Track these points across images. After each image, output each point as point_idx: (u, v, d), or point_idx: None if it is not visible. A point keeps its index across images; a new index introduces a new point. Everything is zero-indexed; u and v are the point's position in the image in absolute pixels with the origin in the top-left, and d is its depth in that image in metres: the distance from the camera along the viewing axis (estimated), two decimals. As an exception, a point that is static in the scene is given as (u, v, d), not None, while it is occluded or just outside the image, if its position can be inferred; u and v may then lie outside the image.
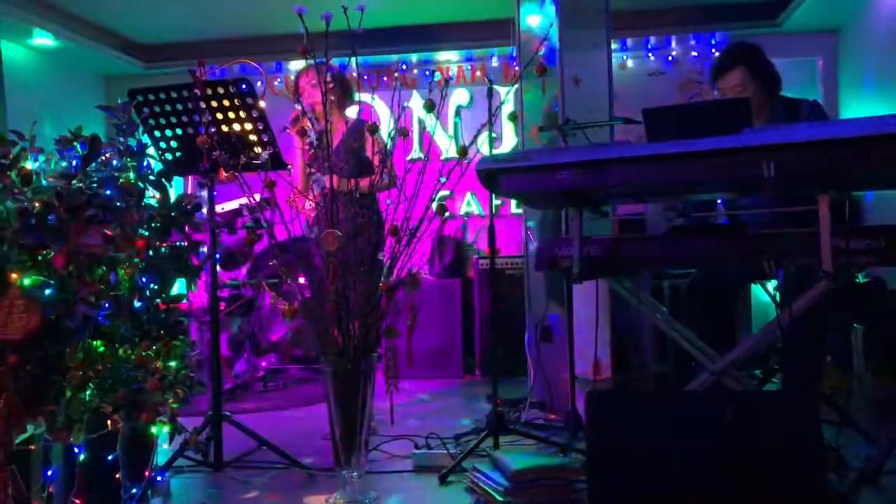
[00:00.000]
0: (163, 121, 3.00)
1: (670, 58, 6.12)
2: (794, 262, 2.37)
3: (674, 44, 6.12)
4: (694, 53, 6.09)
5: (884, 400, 3.86)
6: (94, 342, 2.09)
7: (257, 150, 2.89)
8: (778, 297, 2.86)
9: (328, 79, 2.62)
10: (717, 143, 2.22)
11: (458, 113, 6.30)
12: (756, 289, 4.14)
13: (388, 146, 2.68)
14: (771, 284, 3.02)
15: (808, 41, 5.88)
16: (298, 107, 3.23)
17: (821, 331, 3.01)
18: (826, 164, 2.10)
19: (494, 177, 2.62)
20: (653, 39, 6.13)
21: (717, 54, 3.22)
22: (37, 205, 2.03)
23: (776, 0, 5.68)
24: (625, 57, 6.14)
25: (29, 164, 2.14)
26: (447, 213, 2.56)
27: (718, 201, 3.18)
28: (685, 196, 2.89)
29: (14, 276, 1.97)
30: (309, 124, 2.80)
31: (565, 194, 2.53)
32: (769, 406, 2.17)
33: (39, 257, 2.02)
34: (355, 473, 2.51)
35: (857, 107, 5.47)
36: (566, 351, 3.41)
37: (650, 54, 6.15)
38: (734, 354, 2.55)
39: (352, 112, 3.83)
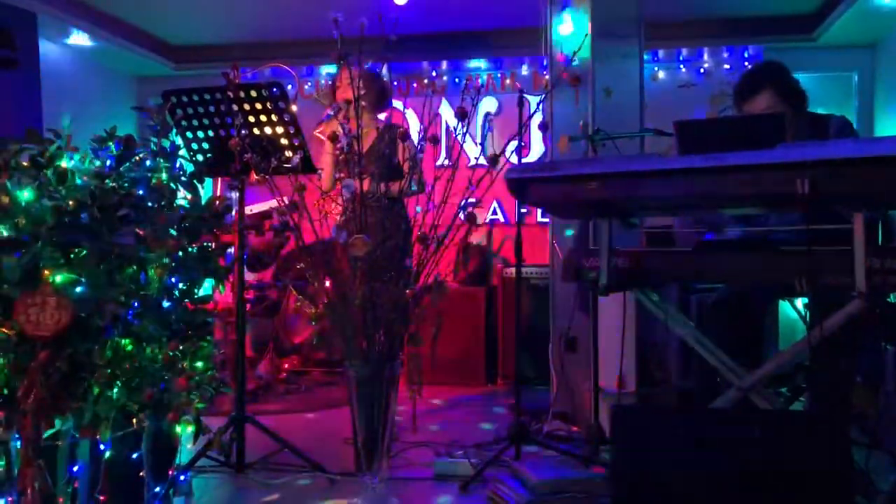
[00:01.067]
0: (195, 122, 3.03)
1: (702, 70, 6.08)
2: (827, 280, 2.33)
3: (706, 56, 6.08)
4: (726, 66, 6.04)
5: (913, 422, 3.79)
6: (123, 341, 2.10)
7: (288, 153, 2.91)
8: (807, 315, 2.82)
9: (361, 82, 2.62)
10: (750, 158, 2.19)
11: (486, 120, 6.30)
12: (784, 305, 4.09)
13: (418, 153, 2.68)
14: (800, 301, 2.98)
15: (844, 56, 5.81)
16: (331, 111, 3.25)
17: (851, 350, 2.96)
18: (861, 182, 2.07)
19: (523, 186, 2.61)
20: (685, 51, 6.10)
21: (742, 76, 3.13)
22: (71, 203, 2.05)
23: (812, 14, 5.63)
24: (656, 68, 6.11)
25: (64, 163, 2.17)
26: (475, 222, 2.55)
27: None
28: (716, 211, 2.86)
29: (46, 273, 1.99)
30: (340, 129, 2.80)
31: (594, 205, 2.51)
32: (798, 426, 2.14)
33: (72, 255, 2.04)
34: (377, 479, 2.51)
35: (894, 123, 5.40)
36: (590, 362, 3.39)
37: (682, 66, 6.12)
38: (762, 371, 2.52)
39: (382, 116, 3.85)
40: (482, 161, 2.59)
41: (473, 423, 4.01)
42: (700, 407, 3.26)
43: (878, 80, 5.74)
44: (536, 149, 6.10)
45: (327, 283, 2.52)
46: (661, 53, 6.12)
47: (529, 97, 5.74)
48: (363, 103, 3.53)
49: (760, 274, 2.50)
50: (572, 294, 3.73)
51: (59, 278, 2.00)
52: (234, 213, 2.86)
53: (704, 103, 6.00)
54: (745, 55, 6.00)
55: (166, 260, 2.19)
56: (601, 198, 2.44)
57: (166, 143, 2.40)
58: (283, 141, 2.98)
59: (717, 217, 3.04)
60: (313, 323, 2.53)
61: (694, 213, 3.10)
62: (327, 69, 6.47)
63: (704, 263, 2.56)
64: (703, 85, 6.06)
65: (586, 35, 3.82)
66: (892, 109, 5.51)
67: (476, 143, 6.24)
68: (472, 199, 2.52)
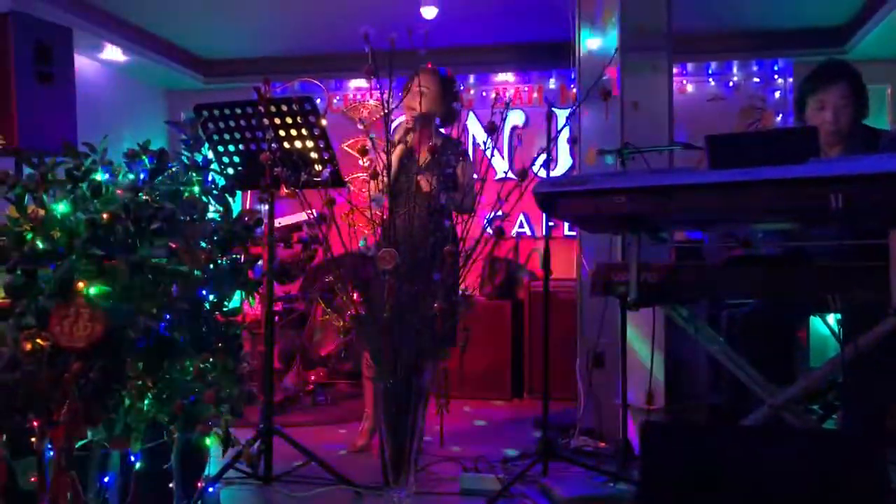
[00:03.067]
0: (226, 136, 3.06)
1: (731, 83, 6.04)
2: (860, 296, 2.29)
3: (735, 69, 6.04)
4: (756, 80, 6.00)
5: (950, 442, 3.71)
6: (155, 353, 2.13)
7: (318, 167, 2.93)
8: (839, 332, 2.77)
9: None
10: (782, 173, 2.17)
11: (514, 134, 6.30)
12: (815, 321, 4.03)
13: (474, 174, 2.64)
14: (832, 318, 2.93)
15: (876, 69, 5.72)
16: (360, 126, 3.26)
17: (886, 369, 2.91)
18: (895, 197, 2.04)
19: (552, 200, 2.60)
20: (714, 64, 6.06)
21: (818, 67, 3.06)
22: (105, 216, 2.08)
23: (843, 27, 5.57)
24: (684, 81, 6.08)
25: (99, 177, 2.20)
26: (503, 235, 2.55)
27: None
28: (748, 225, 2.84)
29: (80, 285, 2.02)
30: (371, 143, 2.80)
31: (623, 219, 2.50)
32: (833, 445, 2.10)
33: (105, 268, 2.07)
34: (403, 493, 2.50)
35: (926, 137, 5.31)
36: (618, 378, 3.36)
37: (710, 79, 6.08)
38: (795, 389, 2.49)
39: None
40: (510, 174, 2.60)
41: (500, 438, 4.00)
42: (730, 424, 3.22)
43: (910, 95, 5.67)
44: (563, 162, 6.08)
45: (355, 296, 2.53)
46: (689, 67, 6.09)
47: (558, 111, 5.76)
48: (430, 113, 3.46)
49: (792, 289, 2.47)
50: (600, 308, 3.71)
51: (92, 290, 2.03)
52: (263, 225, 2.89)
53: (733, 116, 5.95)
54: (775, 68, 5.95)
55: (197, 273, 2.21)
56: (630, 212, 2.42)
57: (198, 157, 2.43)
58: (314, 155, 3.01)
59: (747, 232, 3.01)
60: (341, 335, 2.54)
61: (725, 227, 3.06)
62: (356, 83, 6.52)
63: (735, 278, 2.53)
64: (732, 98, 6.02)
65: (615, 49, 3.81)
66: (925, 123, 5.44)
67: (503, 157, 6.24)
68: (500, 213, 2.52)
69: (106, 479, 2.14)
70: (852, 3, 5.30)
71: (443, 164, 3.25)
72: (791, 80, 5.92)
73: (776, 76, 5.95)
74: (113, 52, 5.81)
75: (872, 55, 5.59)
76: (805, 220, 2.59)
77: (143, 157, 2.32)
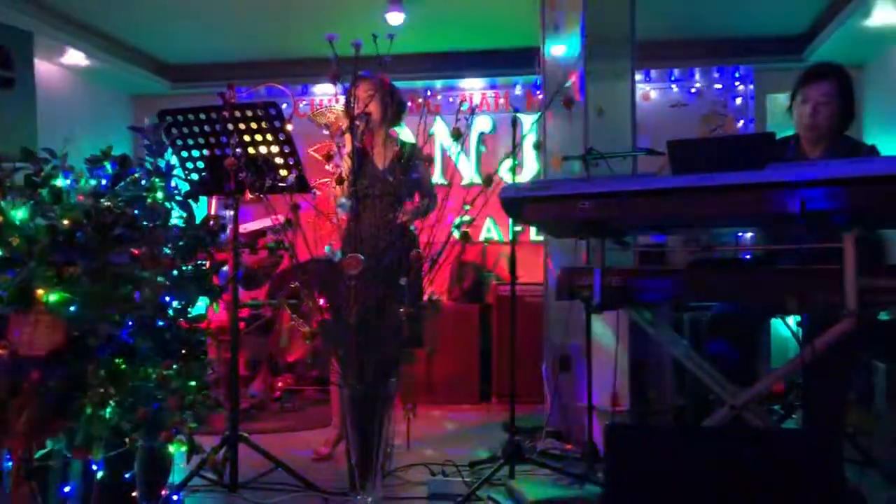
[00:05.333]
0: (191, 141, 3.04)
1: (693, 90, 6.13)
2: (819, 299, 2.34)
3: (697, 76, 6.13)
4: (718, 86, 6.10)
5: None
6: (117, 360, 2.10)
7: (283, 172, 2.92)
8: (800, 333, 2.83)
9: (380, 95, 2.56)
10: (742, 178, 2.21)
11: (480, 140, 6.33)
12: (777, 323, 4.10)
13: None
14: (792, 320, 2.99)
15: (833, 76, 5.86)
16: (325, 131, 3.26)
17: (843, 368, 2.97)
18: (851, 202, 2.09)
19: (517, 205, 2.62)
20: (676, 71, 6.15)
21: (812, 64, 3.12)
22: (66, 222, 2.06)
23: (802, 35, 5.69)
24: (648, 88, 6.16)
25: (59, 182, 2.18)
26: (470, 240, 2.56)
27: (740, 235, 3.16)
28: (709, 230, 2.88)
29: (40, 292, 1.99)
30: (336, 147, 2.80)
31: (587, 224, 2.53)
32: (791, 444, 2.14)
33: (66, 274, 2.05)
34: (370, 499, 2.50)
35: (881, 144, 5.43)
36: (584, 381, 3.39)
37: (673, 85, 6.17)
38: (755, 390, 2.53)
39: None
40: (476, 180, 2.62)
41: (468, 442, 4.00)
42: (694, 425, 3.27)
43: (866, 102, 5.79)
44: (530, 168, 6.13)
45: (321, 302, 2.52)
46: (653, 73, 6.17)
47: (523, 116, 5.80)
48: (378, 117, 3.52)
49: (753, 292, 2.51)
50: (566, 312, 3.74)
51: (52, 297, 2.00)
52: (228, 231, 2.87)
53: (696, 122, 6.05)
54: (737, 75, 6.05)
55: (161, 279, 2.19)
56: (594, 217, 2.45)
57: (162, 163, 2.41)
58: (279, 160, 3.00)
59: (709, 236, 3.06)
60: (307, 341, 2.53)
61: (687, 231, 3.11)
62: (322, 88, 6.50)
63: (697, 282, 2.57)
64: (694, 104, 6.11)
65: (579, 56, 3.85)
66: (879, 131, 5.56)
67: (470, 162, 6.27)
68: (466, 218, 2.53)
69: (67, 489, 2.11)
70: (810, 12, 5.42)
71: (409, 170, 3.28)
72: (752, 86, 6.03)
73: (737, 83, 6.06)
74: (76, 57, 5.73)
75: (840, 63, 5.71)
76: (763, 224, 2.65)
77: (106, 163, 2.30)
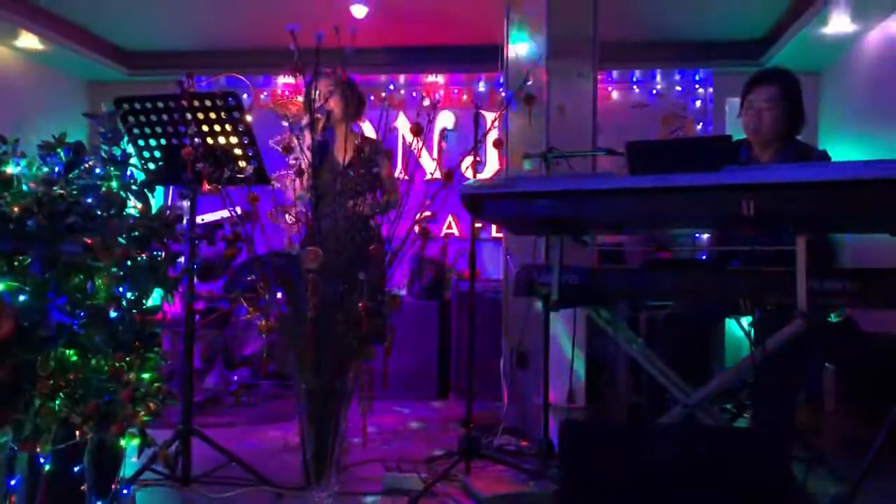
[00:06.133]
0: (147, 130, 2.98)
1: (654, 91, 6.21)
2: (770, 300, 2.39)
3: (658, 78, 6.22)
4: (678, 88, 6.19)
5: (852, 439, 3.90)
6: (67, 351, 2.06)
7: (242, 163, 2.88)
8: (752, 334, 2.88)
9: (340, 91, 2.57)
10: (697, 180, 2.24)
11: (443, 135, 6.33)
12: (730, 323, 4.18)
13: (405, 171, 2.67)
14: (745, 320, 3.05)
15: (790, 81, 5.98)
16: (285, 123, 3.23)
17: (794, 369, 3.03)
18: (803, 206, 2.13)
19: (478, 202, 2.63)
20: (638, 72, 6.23)
21: (757, 70, 3.17)
22: (16, 210, 2.01)
23: (760, 40, 5.80)
24: (609, 88, 6.22)
25: (10, 169, 2.12)
26: (430, 235, 2.56)
27: (697, 236, 3.21)
28: (665, 230, 2.92)
29: (-11, 280, 1.94)
30: (296, 140, 2.78)
31: (546, 222, 2.54)
32: (741, 442, 2.19)
33: (16, 263, 2.00)
34: (325, 494, 2.49)
35: (836, 151, 5.57)
36: (541, 377, 3.41)
37: (635, 87, 6.24)
38: (708, 389, 2.57)
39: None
40: (438, 175, 2.63)
41: (424, 438, 4.01)
42: (648, 422, 3.31)
43: (821, 108, 5.92)
44: (492, 165, 6.14)
45: (279, 295, 2.50)
46: (615, 74, 6.24)
47: (486, 113, 5.81)
48: (338, 113, 3.53)
49: (707, 293, 2.55)
50: (524, 309, 3.76)
51: (1, 286, 1.95)
52: (184, 222, 2.83)
53: (656, 124, 6.12)
54: (696, 78, 6.15)
55: (114, 269, 2.15)
56: (553, 215, 2.47)
57: (117, 151, 2.36)
58: (237, 151, 2.96)
59: (666, 236, 3.11)
60: (265, 335, 2.50)
61: (644, 231, 3.15)
62: (283, 80, 6.45)
63: (653, 281, 2.60)
64: (655, 106, 6.19)
65: (542, 54, 3.87)
66: (833, 136, 5.69)
67: (432, 158, 6.26)
68: (426, 214, 2.53)
69: (13, 482, 2.06)
70: (769, 18, 5.53)
71: (369, 164, 3.28)
72: (711, 89, 6.12)
73: (697, 86, 6.15)
74: (29, 40, 5.59)
75: (787, 67, 5.82)
76: (720, 225, 2.69)
77: (59, 150, 2.25)
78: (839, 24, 5.02)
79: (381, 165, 3.40)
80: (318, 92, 3.48)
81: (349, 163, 2.46)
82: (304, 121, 3.49)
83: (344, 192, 2.37)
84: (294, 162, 3.16)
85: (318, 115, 3.40)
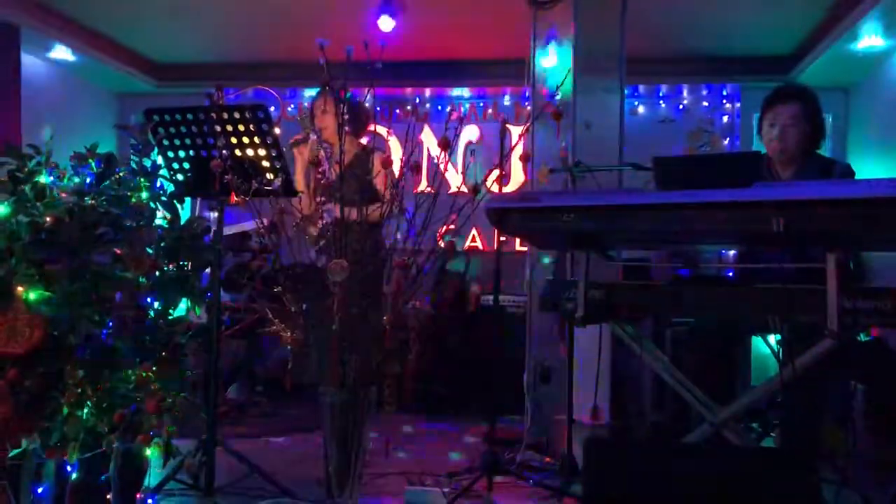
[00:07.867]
0: (177, 141, 3.01)
1: (681, 106, 6.18)
2: (800, 318, 2.36)
3: (685, 93, 6.19)
4: (705, 103, 6.15)
5: (882, 461, 3.82)
6: (95, 361, 2.08)
7: (269, 175, 2.90)
8: (779, 352, 2.84)
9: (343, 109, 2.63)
10: (726, 196, 2.22)
11: (469, 150, 6.34)
12: (756, 340, 4.12)
13: (399, 179, 2.68)
14: (773, 338, 3.01)
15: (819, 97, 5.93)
16: (313, 136, 3.26)
17: (822, 388, 2.99)
18: (834, 224, 2.10)
19: (504, 216, 2.62)
20: (664, 87, 6.20)
21: (776, 87, 3.15)
22: (48, 220, 2.04)
23: (789, 56, 5.75)
24: (636, 103, 6.20)
25: (43, 179, 2.15)
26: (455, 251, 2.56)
27: (724, 253, 3.18)
28: (693, 246, 2.90)
29: (20, 289, 1.97)
30: (323, 153, 2.80)
31: (572, 237, 2.53)
32: (769, 462, 2.15)
33: (47, 272, 2.03)
34: (347, 506, 2.49)
35: (865, 166, 5.50)
36: (565, 394, 3.39)
37: (661, 102, 6.21)
38: (735, 407, 2.54)
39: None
40: (463, 189, 2.64)
41: (446, 452, 3.99)
42: (673, 440, 3.28)
43: (851, 124, 5.86)
44: (517, 179, 6.14)
45: (304, 307, 2.51)
46: (641, 89, 6.22)
47: (511, 127, 5.81)
48: (346, 129, 3.56)
49: (734, 310, 2.52)
50: (548, 324, 3.74)
51: (32, 295, 1.98)
52: (212, 233, 2.85)
53: (683, 139, 6.09)
54: (724, 93, 6.11)
55: (143, 279, 2.17)
56: (579, 230, 2.45)
57: (147, 162, 2.39)
58: (265, 163, 2.98)
59: (693, 252, 3.08)
60: (290, 347, 2.52)
61: (670, 247, 3.13)
62: (310, 92, 6.50)
63: (679, 297, 2.58)
64: (681, 121, 6.16)
65: (569, 69, 3.87)
66: (864, 152, 5.62)
67: (457, 172, 6.27)
68: (452, 227, 2.53)
69: (40, 490, 2.08)
70: (798, 33, 5.48)
71: (357, 175, 3.34)
72: (738, 105, 6.08)
73: (724, 101, 6.11)
74: (62, 52, 5.68)
75: (816, 83, 5.75)
76: (748, 242, 2.66)
77: (91, 161, 2.28)
78: (869, 40, 4.97)
79: (375, 175, 3.39)
80: (315, 107, 3.58)
81: (341, 172, 2.48)
82: (299, 136, 3.56)
83: (339, 199, 2.40)
84: (319, 176, 3.19)
85: (318, 130, 3.47)
